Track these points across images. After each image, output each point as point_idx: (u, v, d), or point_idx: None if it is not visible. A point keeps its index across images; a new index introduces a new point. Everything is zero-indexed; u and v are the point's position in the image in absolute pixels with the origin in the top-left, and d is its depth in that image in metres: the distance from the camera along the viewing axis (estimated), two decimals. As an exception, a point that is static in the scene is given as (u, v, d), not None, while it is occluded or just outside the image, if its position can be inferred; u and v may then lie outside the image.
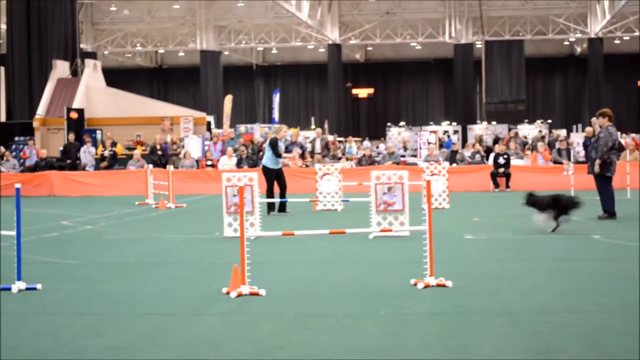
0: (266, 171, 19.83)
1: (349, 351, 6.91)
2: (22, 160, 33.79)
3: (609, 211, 17.47)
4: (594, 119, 17.89)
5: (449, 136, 51.62)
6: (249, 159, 31.81)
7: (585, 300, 8.90)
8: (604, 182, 17.58)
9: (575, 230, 15.31)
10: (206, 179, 29.82)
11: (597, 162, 17.34)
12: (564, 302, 8.78)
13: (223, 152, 32.63)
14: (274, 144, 19.85)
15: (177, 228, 17.92)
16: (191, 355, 6.89)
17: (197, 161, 32.58)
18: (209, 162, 32.13)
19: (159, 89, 68.84)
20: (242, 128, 44.92)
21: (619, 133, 20.08)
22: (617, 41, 60.74)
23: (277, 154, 19.74)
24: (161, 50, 66.79)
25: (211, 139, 35.12)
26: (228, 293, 9.38)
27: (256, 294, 9.31)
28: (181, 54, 66.63)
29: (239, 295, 9.26)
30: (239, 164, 31.07)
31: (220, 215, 15.68)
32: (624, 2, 47.45)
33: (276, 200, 19.53)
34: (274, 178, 19.77)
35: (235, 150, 32.09)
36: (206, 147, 34.11)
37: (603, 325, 7.63)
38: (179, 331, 7.78)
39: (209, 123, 39.75)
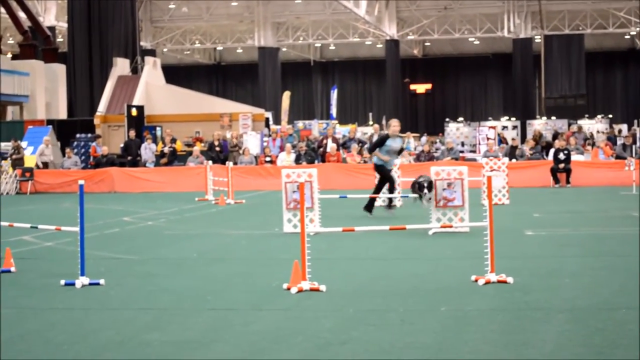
0: (377, 168, 18.21)
1: (409, 347, 6.86)
2: (90, 158, 34.33)
3: None
4: None
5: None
6: (308, 155, 31.89)
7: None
8: None
9: (636, 226, 14.93)
10: (265, 175, 29.93)
11: None
12: (625, 298, 8.63)
13: (282, 149, 32.77)
14: (380, 140, 18.23)
15: (237, 224, 17.94)
16: (253, 350, 6.87)
17: (255, 157, 32.74)
18: (268, 159, 32.28)
19: (218, 86, 69.40)
20: (300, 124, 45.15)
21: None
22: None
23: (370, 149, 18.77)
24: (219, 47, 67.32)
25: (269, 135, 35.26)
26: (289, 289, 9.36)
27: (316, 290, 9.29)
28: (239, 50, 67.15)
29: (300, 290, 9.26)
30: (297, 160, 31.17)
31: (279, 211, 15.73)
32: None
33: (387, 195, 18.39)
34: (386, 175, 18.05)
35: (293, 147, 32.25)
36: (265, 144, 34.28)
37: None
38: (240, 326, 7.78)
39: (267, 119, 39.96)
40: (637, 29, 58.26)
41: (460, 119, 58.86)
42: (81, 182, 10.18)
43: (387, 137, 17.87)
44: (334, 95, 58.29)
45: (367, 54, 68.02)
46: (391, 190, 18.11)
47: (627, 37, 64.24)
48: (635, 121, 50.15)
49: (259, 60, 59.21)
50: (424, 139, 45.71)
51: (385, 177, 17.88)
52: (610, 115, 56.93)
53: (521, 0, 56.93)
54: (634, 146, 31.19)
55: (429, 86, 68.37)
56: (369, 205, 18.02)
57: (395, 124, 18.21)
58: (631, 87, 66.59)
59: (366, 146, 33.61)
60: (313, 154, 32.61)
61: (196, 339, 7.29)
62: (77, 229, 10.11)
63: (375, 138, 34.02)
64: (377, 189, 18.23)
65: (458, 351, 6.71)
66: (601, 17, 57.42)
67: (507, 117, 58.60)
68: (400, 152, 18.40)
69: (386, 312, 8.20)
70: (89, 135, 36.09)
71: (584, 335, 7.13)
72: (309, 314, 8.23)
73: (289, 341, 7.12)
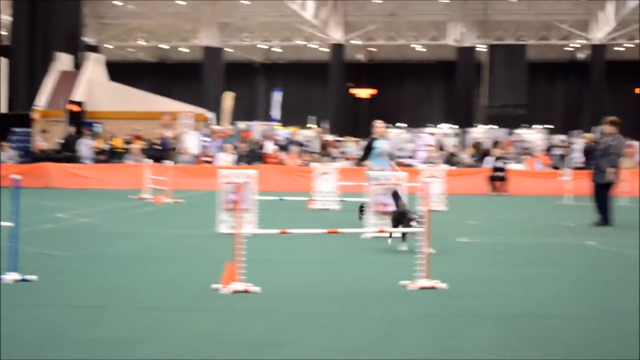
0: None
1: (342, 350, 6.99)
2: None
3: (607, 218, 17.63)
4: (607, 127, 17.88)
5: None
6: (248, 156, 32.21)
7: (577, 305, 9.01)
8: (607, 189, 17.76)
9: (570, 236, 15.64)
10: (204, 175, 30.01)
11: (612, 170, 17.49)
12: (556, 307, 8.92)
13: (221, 149, 32.93)
14: (367, 145, 17.43)
15: (173, 223, 18.05)
16: (184, 350, 6.95)
17: (195, 157, 32.95)
18: (207, 159, 32.49)
19: (161, 84, 68.81)
20: (241, 125, 45.19)
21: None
22: (619, 48, 61.31)
23: (361, 158, 17.73)
24: (164, 46, 67.30)
25: (210, 135, 35.41)
26: (222, 289, 9.46)
27: (250, 291, 9.42)
28: (184, 49, 67.24)
29: (233, 292, 9.37)
30: (237, 161, 31.40)
31: (216, 211, 15.81)
32: (628, 9, 47.92)
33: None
34: None
35: (234, 147, 32.57)
36: (205, 144, 34.43)
37: (594, 331, 7.77)
38: (172, 326, 7.86)
39: (208, 119, 40.11)
40: (579, 41, 59.50)
41: (402, 124, 59.39)
42: (17, 176, 10.12)
43: (373, 140, 17.25)
44: (277, 97, 58.49)
45: (311, 57, 68.28)
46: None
47: (569, 49, 65.38)
48: (573, 132, 51.23)
49: (204, 60, 59.27)
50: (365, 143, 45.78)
51: None
52: (549, 126, 57.89)
53: (467, 9, 57.75)
54: (570, 156, 31.79)
55: (372, 91, 68.90)
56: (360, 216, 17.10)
57: (379, 125, 17.43)
58: (570, 98, 67.75)
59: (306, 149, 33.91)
60: (253, 155, 32.87)
61: (127, 338, 7.34)
62: (11, 223, 10.07)
63: (316, 142, 34.53)
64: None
65: (390, 355, 6.84)
66: (544, 29, 58.51)
67: (448, 125, 59.27)
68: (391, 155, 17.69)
69: (320, 315, 8.35)
70: (27, 129, 35.75)
71: (516, 342, 7.30)
72: (241, 315, 8.32)
73: (221, 342, 7.22)
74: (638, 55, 61.04)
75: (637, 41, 57.40)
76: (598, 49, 57.31)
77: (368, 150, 17.06)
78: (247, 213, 14.79)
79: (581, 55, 65.39)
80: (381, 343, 7.24)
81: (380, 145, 17.03)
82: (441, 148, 41.52)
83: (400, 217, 13.12)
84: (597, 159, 17.97)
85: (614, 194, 18.27)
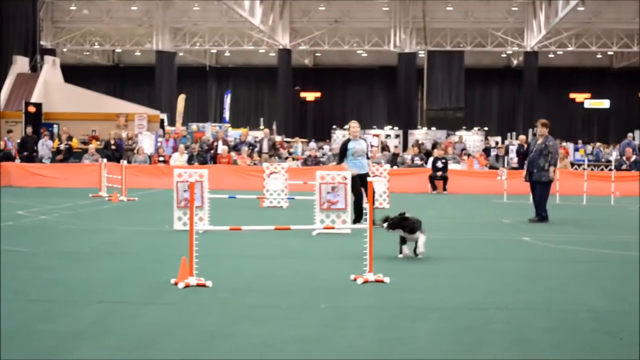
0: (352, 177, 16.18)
1: (291, 340, 7.02)
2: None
3: (544, 215, 18.11)
4: (540, 128, 18.30)
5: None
6: (200, 156, 32.59)
7: (513, 298, 9.08)
8: (547, 187, 18.25)
9: (506, 232, 15.83)
10: (158, 174, 30.52)
11: (552, 169, 17.99)
12: (493, 299, 8.99)
13: (175, 149, 33.44)
14: (342, 146, 17.20)
15: (129, 220, 17.96)
16: (140, 342, 6.95)
17: (149, 157, 33.36)
18: (161, 158, 32.96)
19: (115, 87, 69.02)
20: (194, 126, 45.68)
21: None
22: (551, 55, 62.71)
23: (340, 160, 17.10)
24: (118, 50, 67.37)
25: (164, 135, 35.88)
26: (176, 284, 9.50)
27: (203, 285, 9.44)
28: (137, 53, 67.10)
29: (187, 286, 9.39)
30: (190, 161, 31.88)
31: (170, 209, 15.78)
32: (558, 19, 48.75)
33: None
34: (359, 184, 16.62)
35: (186, 148, 32.93)
36: (159, 144, 34.88)
37: (529, 322, 7.84)
38: (129, 319, 7.86)
39: (162, 121, 40.63)
40: (513, 48, 60.67)
41: (347, 126, 60.42)
42: None
43: (347, 141, 17.02)
44: (228, 99, 59.20)
45: (260, 61, 68.94)
46: (357, 205, 16.68)
47: (504, 55, 66.79)
48: (509, 134, 52.73)
49: (156, 64, 59.73)
50: (312, 144, 47.00)
51: (352, 190, 16.06)
52: (486, 128, 58.88)
53: (407, 16, 58.71)
54: (506, 157, 32.08)
55: (318, 94, 69.49)
56: (358, 217, 16.56)
57: (354, 126, 17.18)
58: (505, 102, 69.20)
59: (256, 150, 34.91)
60: (205, 155, 33.37)
61: (85, 330, 7.32)
62: None
63: (265, 142, 35.15)
64: (356, 201, 16.77)
65: (336, 346, 6.89)
66: (480, 36, 59.62)
67: (390, 127, 60.36)
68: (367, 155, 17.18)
69: (270, 308, 8.36)
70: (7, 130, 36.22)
71: (454, 333, 7.37)
72: (195, 308, 8.34)
73: (175, 334, 7.23)
74: (567, 62, 63.40)
75: (568, 49, 59.38)
76: (531, 56, 58.70)
77: (343, 152, 16.86)
78: (200, 211, 14.85)
79: (515, 62, 66.70)
80: (327, 334, 7.29)
81: (354, 145, 16.78)
82: (384, 148, 42.80)
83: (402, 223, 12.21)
84: (535, 159, 18.10)
85: (550, 192, 18.54)
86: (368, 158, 17.21)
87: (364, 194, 16.43)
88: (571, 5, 45.56)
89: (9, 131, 35.52)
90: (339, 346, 6.93)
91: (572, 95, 66.50)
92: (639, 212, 20.72)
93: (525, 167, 19.08)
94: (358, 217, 16.44)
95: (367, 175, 16.81)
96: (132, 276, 10.40)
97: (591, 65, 64.82)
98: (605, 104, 65.34)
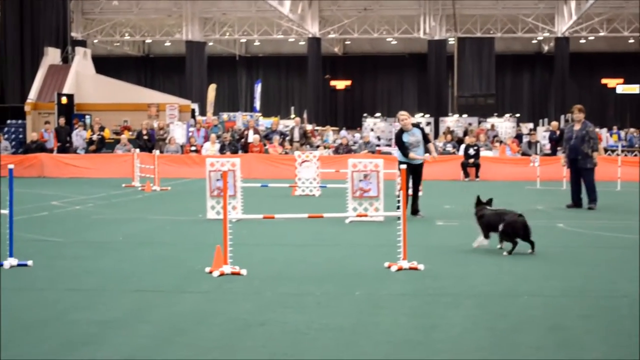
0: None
1: (325, 328, 7.04)
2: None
3: (595, 199, 17.93)
4: (577, 114, 17.96)
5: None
6: (231, 145, 32.65)
7: (547, 284, 9.01)
8: (592, 172, 17.94)
9: (540, 219, 15.58)
10: (190, 163, 30.50)
11: (595, 154, 17.76)
12: (527, 286, 8.95)
13: (206, 139, 33.52)
14: (397, 139, 16.21)
15: (162, 210, 18.01)
16: (175, 330, 6.99)
17: (181, 146, 33.41)
18: (193, 148, 32.99)
19: (146, 77, 69.36)
20: (224, 116, 45.86)
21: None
22: (582, 41, 62.18)
23: (403, 152, 15.99)
24: (148, 40, 67.40)
25: (195, 125, 35.96)
26: (211, 272, 9.57)
27: (237, 274, 9.49)
28: (167, 44, 67.24)
29: (222, 274, 9.45)
30: (221, 150, 31.91)
31: (203, 198, 15.89)
32: (589, 4, 48.36)
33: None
34: (409, 178, 15.94)
35: (218, 137, 32.98)
36: (190, 134, 34.94)
37: (564, 309, 7.84)
38: (164, 307, 7.91)
39: (193, 110, 40.71)
40: (544, 34, 60.27)
41: (378, 114, 60.47)
42: (11, 166, 10.29)
43: (401, 133, 16.06)
44: (258, 89, 59.30)
45: (290, 50, 68.95)
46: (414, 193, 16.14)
47: (535, 41, 66.28)
48: (540, 120, 52.46)
49: (187, 54, 59.77)
50: (344, 132, 46.97)
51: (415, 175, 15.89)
52: (518, 115, 58.59)
53: (437, 3, 58.45)
54: (538, 144, 32.20)
55: (348, 82, 69.42)
56: (413, 206, 16.10)
57: (403, 116, 16.14)
58: (536, 88, 68.76)
59: (287, 138, 34.89)
60: (236, 144, 33.45)
61: (121, 319, 7.41)
62: (6, 211, 10.20)
63: (296, 130, 35.15)
64: (413, 189, 16.26)
65: (371, 333, 6.91)
66: (511, 22, 59.20)
67: (421, 114, 60.26)
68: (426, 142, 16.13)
69: (303, 296, 8.42)
70: (20, 121, 36.84)
71: (489, 319, 7.38)
72: (229, 297, 8.38)
73: (210, 322, 7.29)
74: (599, 47, 62.89)
75: (600, 34, 58.86)
76: (562, 41, 58.13)
77: (401, 143, 15.95)
78: (233, 199, 14.82)
79: (546, 47, 66.18)
80: (362, 321, 7.31)
81: (409, 138, 15.92)
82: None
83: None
84: (578, 145, 17.76)
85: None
86: (428, 142, 16.38)
87: (409, 185, 15.95)
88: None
89: (47, 122, 35.77)
90: (374, 333, 6.92)
91: (604, 81, 65.98)
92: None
93: (563, 153, 18.80)
94: (412, 210, 15.91)
95: (421, 165, 16.19)
96: (167, 265, 10.46)
97: (623, 50, 64.22)
98: (637, 89, 64.73)
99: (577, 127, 18.05)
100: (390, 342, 6.63)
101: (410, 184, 16.22)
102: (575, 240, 13.14)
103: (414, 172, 16.13)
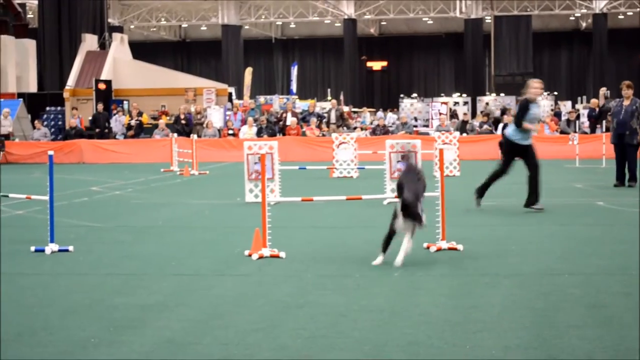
0: (508, 146, 14.26)
1: (364, 309, 7.05)
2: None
3: (635, 177, 17.79)
4: (626, 90, 17.75)
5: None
6: (269, 128, 32.89)
7: (587, 263, 8.99)
8: (635, 150, 17.81)
9: (580, 197, 15.78)
10: (228, 147, 30.82)
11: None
12: (567, 264, 8.92)
13: (243, 122, 33.81)
14: (522, 107, 14.23)
15: (201, 194, 18.23)
16: (215, 313, 7.04)
17: (219, 130, 33.79)
18: (231, 132, 33.35)
19: (183, 62, 69.91)
20: (261, 99, 46.09)
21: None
22: (620, 16, 61.83)
23: (518, 122, 14.05)
24: (184, 25, 67.92)
25: (232, 109, 36.24)
26: (250, 255, 9.61)
27: (276, 256, 9.53)
28: (203, 28, 67.72)
29: (260, 257, 9.49)
30: (259, 133, 32.16)
31: (241, 181, 15.97)
32: None
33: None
34: (514, 156, 14.30)
35: (255, 120, 33.26)
36: (227, 117, 35.29)
37: (604, 287, 7.77)
38: (204, 291, 7.97)
39: (230, 94, 40.95)
40: (582, 11, 59.98)
41: (414, 95, 60.35)
42: (50, 152, 10.36)
43: (527, 102, 14.21)
44: (294, 71, 59.39)
45: (325, 32, 69.11)
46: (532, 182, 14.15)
47: (572, 18, 65.85)
48: (579, 98, 52.12)
49: (223, 38, 60.15)
50: (380, 113, 46.94)
51: (506, 164, 14.25)
52: (556, 93, 58.50)
53: None
54: (577, 122, 32.20)
55: (384, 63, 69.52)
56: (482, 189, 14.54)
57: (535, 85, 14.31)
58: (575, 66, 68.33)
59: (324, 120, 34.97)
60: (274, 127, 33.68)
61: (161, 303, 7.46)
62: (46, 197, 10.29)
63: (333, 113, 35.25)
64: (499, 174, 14.47)
65: (410, 314, 6.90)
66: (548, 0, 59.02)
67: (458, 94, 60.10)
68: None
69: (342, 278, 8.44)
70: (59, 108, 37.27)
71: (529, 299, 7.35)
72: (268, 279, 8.44)
73: (250, 305, 7.32)
74: (637, 23, 61.98)
75: (638, 9, 58.25)
76: (600, 18, 57.85)
77: (522, 115, 14.03)
78: (271, 182, 15.00)
79: (584, 24, 65.84)
80: (401, 303, 7.30)
81: (535, 110, 14.15)
82: (453, 116, 42.74)
83: None
84: (627, 120, 17.54)
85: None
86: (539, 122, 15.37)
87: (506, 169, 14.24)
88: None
89: (74, 108, 36.10)
90: (413, 314, 6.92)
91: (642, 57, 65.36)
92: None
93: (612, 129, 18.59)
94: (533, 196, 14.07)
95: (531, 146, 14.26)
96: (206, 249, 10.52)
97: (662, 25, 63.49)
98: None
99: (626, 102, 17.86)
100: (429, 323, 6.62)
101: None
102: (615, 218, 13.04)
103: (525, 153, 14.28)
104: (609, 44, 58.20)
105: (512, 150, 14.22)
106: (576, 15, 63.90)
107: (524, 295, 7.54)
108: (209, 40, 68.00)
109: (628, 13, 60.60)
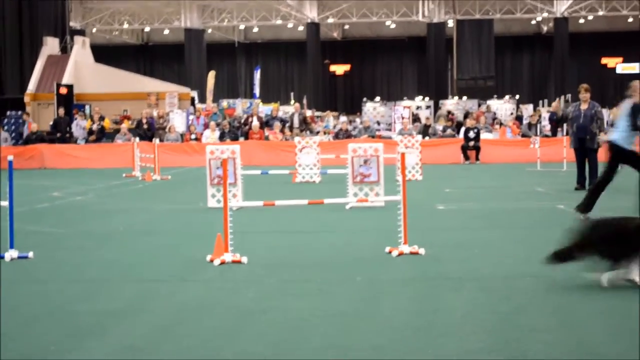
0: (617, 153, 13.17)
1: (326, 314, 7.04)
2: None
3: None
4: (584, 93, 17.65)
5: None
6: (231, 132, 32.79)
7: (549, 266, 8.61)
8: (596, 153, 17.68)
9: (540, 200, 15.86)
10: (190, 152, 30.80)
11: (602, 134, 17.14)
12: (529, 268, 8.94)
13: (206, 126, 33.65)
14: (636, 111, 13.03)
15: (163, 199, 18.17)
16: (177, 319, 7.00)
17: (181, 135, 33.61)
18: (193, 136, 33.19)
19: (145, 66, 69.26)
20: (224, 103, 46.05)
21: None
22: (581, 21, 61.92)
23: (635, 126, 12.93)
24: (147, 28, 67.26)
25: (195, 113, 36.11)
26: (212, 261, 9.56)
27: (238, 262, 9.48)
28: (166, 31, 66.74)
29: (222, 262, 9.43)
30: (221, 138, 32.08)
31: (203, 186, 15.91)
32: None
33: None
34: (620, 162, 13.41)
35: (218, 124, 33.13)
36: (190, 122, 35.12)
37: (567, 289, 7.85)
38: (166, 296, 7.95)
39: (192, 98, 40.85)
40: (543, 15, 60.13)
41: (377, 98, 60.47)
42: (10, 157, 10.21)
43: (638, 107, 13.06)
44: (257, 75, 59.31)
45: (289, 36, 68.73)
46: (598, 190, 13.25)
47: (534, 22, 65.81)
48: (540, 102, 52.49)
49: (185, 42, 59.81)
50: (343, 117, 46.91)
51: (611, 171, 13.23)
52: (517, 96, 58.74)
53: None
54: (538, 125, 32.41)
55: (347, 67, 69.53)
56: (589, 203, 13.24)
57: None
58: (536, 69, 68.52)
59: (287, 124, 34.82)
60: (236, 131, 33.65)
61: (123, 309, 7.42)
62: (6, 203, 10.17)
63: (296, 117, 35.13)
64: (605, 182, 13.44)
65: (373, 318, 6.92)
66: (509, 3, 59.12)
67: (421, 97, 60.29)
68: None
69: (305, 282, 8.46)
70: (19, 112, 36.70)
71: (492, 302, 7.38)
72: (230, 285, 8.42)
73: (212, 310, 7.32)
74: (598, 27, 62.59)
75: (599, 13, 58.77)
76: (561, 22, 58.13)
77: (636, 116, 12.94)
78: (234, 187, 14.92)
79: (545, 28, 65.99)
80: (363, 307, 7.32)
81: None
82: (415, 120, 42.84)
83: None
84: (587, 125, 17.49)
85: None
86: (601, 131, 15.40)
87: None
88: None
89: (26, 114, 35.82)
90: (375, 319, 6.94)
91: (603, 61, 65.83)
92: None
93: (571, 134, 18.44)
94: (589, 204, 13.16)
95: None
96: (168, 254, 10.50)
97: (622, 29, 64.00)
98: (637, 68, 64.58)
99: (584, 106, 17.84)
100: (392, 327, 6.62)
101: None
102: (575, 221, 13.02)
103: (631, 159, 13.52)
104: (571, 48, 58.48)
105: (620, 157, 13.30)
106: (537, 19, 63.91)
107: (486, 298, 7.56)
108: (171, 44, 67.47)
109: (589, 17, 60.90)
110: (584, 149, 17.80)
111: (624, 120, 13.09)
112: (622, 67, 64.91)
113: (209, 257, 9.76)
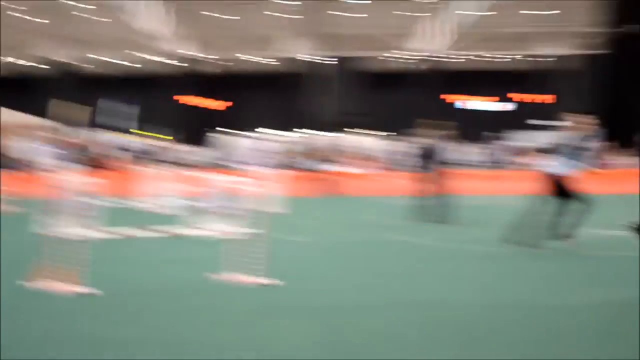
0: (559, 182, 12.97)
1: (171, 342, 6.97)
2: None
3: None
4: (431, 131, 18.38)
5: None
6: (82, 161, 31.63)
7: (384, 295, 9.16)
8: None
9: (389, 233, 15.90)
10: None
11: (440, 170, 18.09)
12: (364, 297, 9.06)
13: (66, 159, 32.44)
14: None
15: None
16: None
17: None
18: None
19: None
20: (81, 134, 44.53)
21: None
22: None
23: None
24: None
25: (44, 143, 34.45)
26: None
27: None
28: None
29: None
30: (71, 165, 30.84)
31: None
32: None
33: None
34: None
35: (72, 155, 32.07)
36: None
37: (399, 318, 7.92)
38: None
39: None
40: (405, 52, 61.10)
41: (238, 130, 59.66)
42: None
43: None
44: (126, 109, 57.62)
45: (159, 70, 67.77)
46: None
47: (402, 61, 65.17)
48: (402, 137, 53.00)
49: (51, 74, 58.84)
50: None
51: None
52: (383, 133, 59.11)
53: (300, 22, 58.70)
54: (400, 159, 32.17)
55: (219, 103, 68.67)
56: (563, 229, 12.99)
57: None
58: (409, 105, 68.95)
59: None
60: (91, 161, 32.41)
61: None
62: None
63: (164, 150, 34.03)
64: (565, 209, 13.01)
65: (212, 344, 6.92)
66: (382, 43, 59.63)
67: (287, 132, 59.69)
68: None
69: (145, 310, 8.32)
70: None
71: (323, 334, 7.30)
72: None
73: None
74: (467, 66, 63.56)
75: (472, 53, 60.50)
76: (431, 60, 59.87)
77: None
78: (82, 217, 14.84)
79: (399, 66, 65.19)
80: (206, 335, 7.22)
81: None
82: (279, 153, 42.58)
83: None
84: (434, 161, 18.31)
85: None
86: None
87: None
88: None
89: None
90: (215, 345, 6.88)
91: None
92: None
93: (418, 167, 18.94)
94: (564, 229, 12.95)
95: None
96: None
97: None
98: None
99: (430, 141, 18.51)
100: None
101: None
102: (418, 253, 13.32)
103: None
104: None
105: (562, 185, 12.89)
106: (398, 57, 63.65)
107: (319, 329, 7.49)
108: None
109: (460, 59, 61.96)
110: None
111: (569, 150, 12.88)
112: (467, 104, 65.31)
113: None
